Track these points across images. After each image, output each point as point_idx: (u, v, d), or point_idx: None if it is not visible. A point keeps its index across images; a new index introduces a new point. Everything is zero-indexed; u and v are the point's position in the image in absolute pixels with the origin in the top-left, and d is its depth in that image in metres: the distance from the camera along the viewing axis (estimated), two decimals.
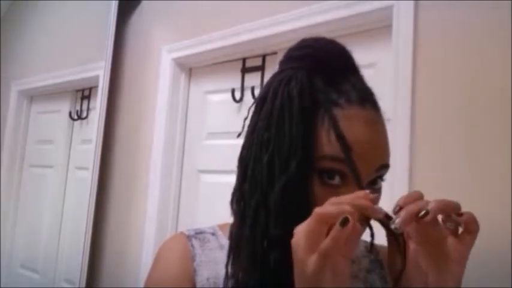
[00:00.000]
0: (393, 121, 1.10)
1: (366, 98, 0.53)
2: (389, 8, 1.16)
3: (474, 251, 1.03)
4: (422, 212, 0.44)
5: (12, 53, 2.50)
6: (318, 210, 0.43)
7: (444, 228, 0.47)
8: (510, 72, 0.96)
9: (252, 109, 0.57)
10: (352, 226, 0.41)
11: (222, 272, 0.56)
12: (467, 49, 1.03)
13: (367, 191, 0.45)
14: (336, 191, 0.50)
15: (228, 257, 0.55)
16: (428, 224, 0.45)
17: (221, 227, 0.65)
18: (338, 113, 0.51)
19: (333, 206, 0.43)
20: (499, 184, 0.94)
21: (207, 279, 0.59)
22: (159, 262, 0.62)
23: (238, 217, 0.55)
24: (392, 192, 1.07)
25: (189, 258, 0.60)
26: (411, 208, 0.45)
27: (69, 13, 2.19)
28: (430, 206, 0.44)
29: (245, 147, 0.56)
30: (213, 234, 0.64)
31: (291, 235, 0.45)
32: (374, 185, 0.53)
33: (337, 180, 0.50)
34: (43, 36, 2.37)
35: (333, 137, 0.49)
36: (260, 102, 0.55)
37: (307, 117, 0.51)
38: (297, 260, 0.43)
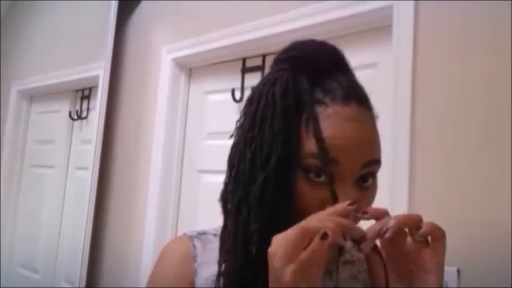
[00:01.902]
0: (393, 121, 1.10)
1: (351, 96, 0.53)
2: (389, 8, 1.15)
3: (474, 250, 1.03)
4: (384, 229, 0.46)
5: (12, 53, 2.50)
6: (303, 223, 0.45)
7: (414, 242, 0.49)
8: (510, 72, 0.96)
9: (242, 111, 0.59)
10: (330, 241, 0.43)
11: None
12: (467, 49, 1.03)
13: (346, 204, 0.47)
14: (322, 188, 0.51)
15: (220, 253, 0.57)
16: (397, 240, 0.48)
17: None
18: (322, 111, 0.52)
19: (316, 222, 0.45)
20: (499, 184, 0.94)
21: (206, 279, 0.60)
22: (161, 263, 0.64)
23: (224, 214, 0.58)
24: (392, 192, 1.07)
25: (190, 259, 0.62)
26: (374, 228, 0.47)
27: (69, 13, 2.19)
28: (390, 224, 0.47)
29: (232, 148, 0.58)
30: (215, 235, 0.65)
31: (271, 230, 0.47)
32: (364, 182, 0.53)
33: (322, 177, 0.51)
34: (43, 36, 2.37)
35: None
36: (248, 104, 0.57)
37: (291, 116, 0.52)
38: (273, 269, 0.44)
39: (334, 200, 0.50)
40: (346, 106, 0.52)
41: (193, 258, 0.61)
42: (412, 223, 0.48)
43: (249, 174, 0.53)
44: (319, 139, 0.50)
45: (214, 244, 0.63)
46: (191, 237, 0.64)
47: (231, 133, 0.59)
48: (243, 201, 0.53)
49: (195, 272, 0.60)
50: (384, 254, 0.50)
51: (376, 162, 0.53)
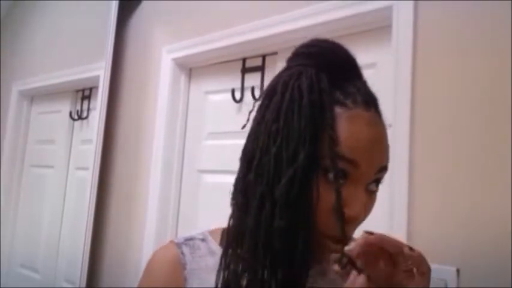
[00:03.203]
0: (393, 121, 1.10)
1: (370, 102, 0.54)
2: (389, 8, 1.16)
3: (474, 250, 1.03)
4: (366, 232, 0.45)
5: (13, 53, 2.50)
6: None
7: (398, 271, 0.47)
8: (510, 72, 0.96)
9: (259, 102, 0.57)
10: None
11: (211, 280, 0.56)
12: (467, 49, 1.03)
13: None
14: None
15: (226, 248, 0.55)
16: (381, 266, 0.46)
17: (211, 232, 0.65)
18: (343, 112, 0.52)
19: None
20: (499, 183, 0.94)
21: None
22: (149, 273, 0.63)
23: (240, 208, 0.55)
24: (392, 192, 1.08)
25: (180, 266, 0.60)
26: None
27: (69, 13, 2.20)
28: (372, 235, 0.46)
29: (251, 139, 0.56)
30: (203, 240, 0.64)
31: (293, 228, 0.46)
32: (372, 187, 0.53)
33: (341, 179, 0.50)
34: (43, 37, 2.37)
35: (339, 137, 0.50)
36: (269, 95, 0.55)
37: (315, 113, 0.51)
38: None
39: (338, 204, 0.49)
40: (367, 111, 0.53)
41: (183, 266, 0.60)
42: (395, 248, 0.46)
43: (274, 169, 0.51)
44: (334, 140, 0.50)
45: (203, 250, 0.62)
46: (179, 244, 0.62)
47: (233, 133, 0.58)
48: (267, 196, 0.51)
49: (185, 281, 0.59)
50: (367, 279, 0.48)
51: (386, 169, 0.54)
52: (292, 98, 0.52)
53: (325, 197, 0.50)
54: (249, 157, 0.55)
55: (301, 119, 0.51)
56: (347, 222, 0.50)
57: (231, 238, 0.55)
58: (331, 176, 0.50)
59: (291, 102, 0.52)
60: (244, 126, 0.58)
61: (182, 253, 0.61)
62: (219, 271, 0.55)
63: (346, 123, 0.51)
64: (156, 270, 0.62)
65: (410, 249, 0.47)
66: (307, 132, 0.50)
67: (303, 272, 0.51)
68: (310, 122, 0.51)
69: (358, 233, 0.58)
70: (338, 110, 0.52)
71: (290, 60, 0.58)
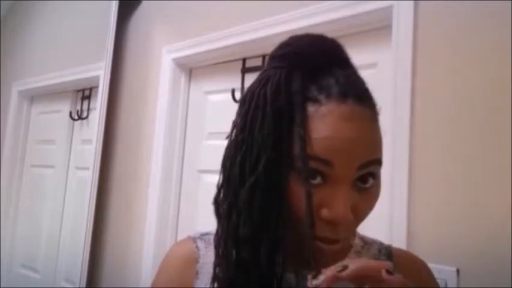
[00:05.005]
0: (393, 121, 1.10)
1: (347, 93, 0.50)
2: (389, 8, 1.16)
3: (474, 250, 1.03)
4: (339, 268, 0.43)
5: (13, 53, 2.50)
6: None
7: None
8: (510, 72, 0.96)
9: (237, 111, 0.57)
10: None
11: None
12: (467, 49, 1.03)
13: (336, 270, 0.43)
14: (317, 190, 0.49)
15: (215, 256, 0.56)
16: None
17: None
18: (316, 110, 0.49)
19: None
20: (499, 183, 0.94)
21: (206, 284, 0.59)
22: (162, 267, 0.64)
23: (217, 218, 0.56)
24: (392, 192, 1.08)
25: (193, 260, 0.61)
26: (331, 269, 0.44)
27: (69, 13, 2.20)
28: (350, 266, 0.43)
29: (226, 149, 0.57)
30: None
31: (262, 234, 0.47)
32: (363, 183, 0.50)
33: (318, 179, 0.49)
34: (43, 37, 2.37)
35: (311, 136, 0.49)
36: (241, 104, 0.56)
37: (282, 118, 0.50)
38: None
39: (309, 216, 0.47)
40: (342, 104, 0.49)
41: (196, 260, 0.61)
42: (372, 270, 0.43)
43: (239, 178, 0.51)
44: (303, 140, 0.48)
45: None
46: (194, 239, 0.64)
47: (227, 134, 0.57)
48: (233, 205, 0.52)
49: (196, 274, 0.60)
50: None
51: (376, 162, 0.50)
52: (257, 106, 0.52)
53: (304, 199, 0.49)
54: (223, 167, 0.56)
55: (264, 126, 0.50)
56: (332, 223, 0.49)
57: (214, 247, 0.56)
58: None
59: (256, 110, 0.52)
60: (227, 137, 0.57)
61: (197, 247, 0.62)
62: (212, 280, 0.55)
63: (319, 121, 0.49)
64: (169, 263, 0.64)
65: (389, 272, 0.43)
66: (270, 138, 0.49)
67: (274, 278, 0.50)
68: (275, 128, 0.50)
69: (361, 230, 0.56)
70: (311, 108, 0.50)
71: (267, 63, 0.57)
